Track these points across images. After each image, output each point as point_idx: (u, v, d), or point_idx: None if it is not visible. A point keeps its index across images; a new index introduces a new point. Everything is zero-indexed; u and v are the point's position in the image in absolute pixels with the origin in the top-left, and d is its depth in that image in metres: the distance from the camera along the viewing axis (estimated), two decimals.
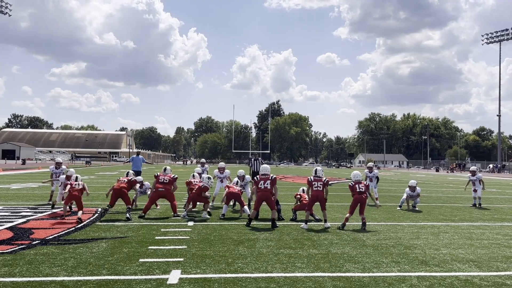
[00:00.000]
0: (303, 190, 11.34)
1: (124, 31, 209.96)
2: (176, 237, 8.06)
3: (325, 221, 9.60)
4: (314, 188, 9.60)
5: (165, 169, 11.23)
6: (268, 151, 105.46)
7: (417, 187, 13.59)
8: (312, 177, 9.75)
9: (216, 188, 13.36)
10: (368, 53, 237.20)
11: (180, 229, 8.89)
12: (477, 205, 14.54)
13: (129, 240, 7.77)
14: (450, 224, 10.53)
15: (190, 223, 9.66)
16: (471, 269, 6.24)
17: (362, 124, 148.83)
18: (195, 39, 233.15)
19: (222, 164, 14.02)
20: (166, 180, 10.91)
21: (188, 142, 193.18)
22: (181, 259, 6.41)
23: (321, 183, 9.61)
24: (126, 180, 11.01)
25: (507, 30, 70.57)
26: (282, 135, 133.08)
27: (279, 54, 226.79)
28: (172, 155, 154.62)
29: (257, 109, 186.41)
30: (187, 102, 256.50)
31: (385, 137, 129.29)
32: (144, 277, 5.50)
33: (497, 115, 73.95)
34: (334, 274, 5.79)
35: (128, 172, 11.64)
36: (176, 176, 11.32)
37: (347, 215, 9.52)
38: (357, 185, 9.63)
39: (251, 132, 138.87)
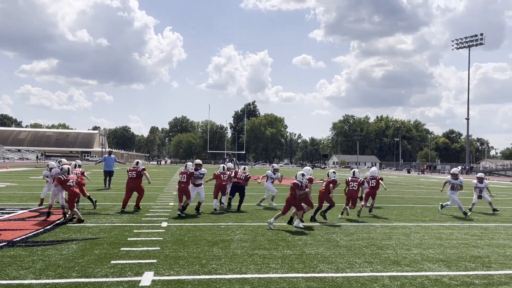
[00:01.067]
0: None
1: (97, 28, 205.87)
2: (149, 238, 7.94)
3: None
4: (350, 188, 11.28)
5: (137, 163, 12.02)
6: (244, 152, 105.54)
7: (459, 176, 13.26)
8: (350, 178, 11.45)
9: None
10: (343, 55, 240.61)
11: (153, 230, 8.76)
12: (493, 210, 13.75)
13: (100, 241, 7.60)
14: (421, 225, 10.76)
15: (164, 224, 9.53)
16: (441, 268, 6.38)
17: (336, 125, 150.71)
18: (171, 38, 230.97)
19: (198, 161, 13.19)
20: (134, 175, 11.73)
21: (163, 142, 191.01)
22: (154, 261, 6.32)
23: (357, 183, 11.35)
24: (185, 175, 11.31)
25: (476, 36, 72.78)
26: (258, 136, 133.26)
27: (255, 55, 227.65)
28: (146, 155, 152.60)
29: (233, 110, 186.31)
30: (161, 102, 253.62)
31: (358, 138, 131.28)
32: (115, 279, 5.38)
33: (466, 119, 76.16)
34: (308, 275, 5.82)
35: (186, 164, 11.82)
36: (143, 167, 11.87)
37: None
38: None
39: (227, 133, 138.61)
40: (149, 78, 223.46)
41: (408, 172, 74.29)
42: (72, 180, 9.76)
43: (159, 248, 7.17)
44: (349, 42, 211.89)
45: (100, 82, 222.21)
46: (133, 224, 9.45)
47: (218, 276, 5.63)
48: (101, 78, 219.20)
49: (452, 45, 76.82)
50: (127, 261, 6.24)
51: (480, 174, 14.46)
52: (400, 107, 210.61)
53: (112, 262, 6.19)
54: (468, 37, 73.88)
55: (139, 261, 6.29)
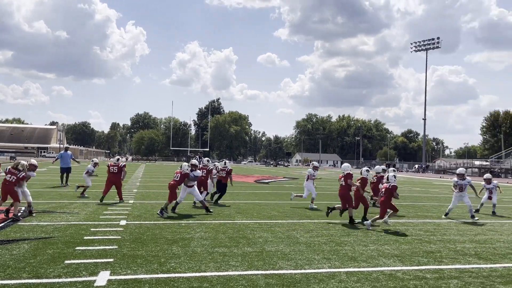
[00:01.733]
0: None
1: (56, 20, 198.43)
2: (106, 237, 7.74)
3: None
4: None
5: (118, 159, 13.37)
6: (207, 149, 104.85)
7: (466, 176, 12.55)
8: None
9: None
10: (307, 55, 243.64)
11: (111, 229, 8.55)
12: (493, 212, 13.61)
13: (54, 240, 7.33)
14: (378, 221, 11.03)
15: (123, 222, 9.33)
16: (395, 263, 6.59)
17: (299, 124, 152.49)
18: (134, 33, 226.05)
19: (193, 161, 12.94)
20: (115, 170, 12.93)
21: (124, 139, 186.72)
22: (111, 260, 6.16)
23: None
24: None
25: (433, 39, 75.53)
26: (222, 133, 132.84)
27: (220, 52, 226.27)
28: (106, 151, 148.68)
29: (197, 106, 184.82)
30: (123, 97, 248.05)
31: (321, 137, 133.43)
32: (69, 279, 5.21)
33: (423, 119, 79.01)
34: (267, 272, 5.86)
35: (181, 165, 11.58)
36: (124, 164, 13.17)
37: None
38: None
39: (190, 130, 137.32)
40: (111, 73, 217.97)
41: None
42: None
43: (116, 247, 7.00)
44: (313, 42, 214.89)
45: (59, 76, 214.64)
46: (90, 223, 9.18)
47: (176, 275, 5.57)
48: (59, 72, 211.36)
49: (411, 48, 79.39)
50: (82, 261, 6.06)
51: (487, 175, 14.14)
52: (361, 107, 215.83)
53: (66, 262, 5.99)
54: (426, 40, 76.58)
55: (95, 260, 6.12)
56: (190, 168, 11.22)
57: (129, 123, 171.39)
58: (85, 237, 7.65)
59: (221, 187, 13.90)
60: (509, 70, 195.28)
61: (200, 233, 8.52)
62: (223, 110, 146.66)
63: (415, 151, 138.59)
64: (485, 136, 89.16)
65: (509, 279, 5.96)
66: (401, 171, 75.82)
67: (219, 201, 13.76)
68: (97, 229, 8.45)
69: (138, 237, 7.88)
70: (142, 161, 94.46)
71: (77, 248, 6.83)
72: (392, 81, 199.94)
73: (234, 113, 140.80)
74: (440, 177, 51.04)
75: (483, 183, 14.17)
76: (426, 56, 77.42)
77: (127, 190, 17.15)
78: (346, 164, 11.40)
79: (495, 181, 14.23)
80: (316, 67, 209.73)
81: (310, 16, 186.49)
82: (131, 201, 13.29)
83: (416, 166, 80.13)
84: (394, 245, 8.01)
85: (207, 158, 15.37)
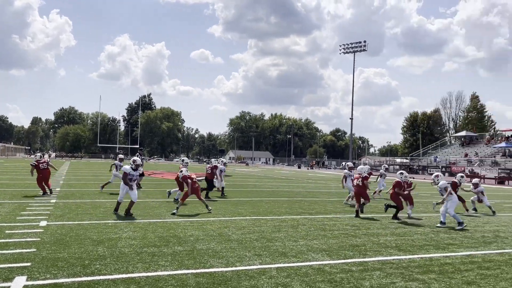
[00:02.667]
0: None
1: None
2: (24, 239, 7.18)
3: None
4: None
5: (42, 156, 14.38)
6: (138, 146, 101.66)
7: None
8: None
9: None
10: (241, 53, 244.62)
11: (30, 230, 7.95)
12: (493, 212, 13.65)
13: None
14: (308, 217, 11.38)
15: (43, 223, 8.71)
16: (323, 258, 6.80)
17: (233, 121, 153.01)
18: (58, 22, 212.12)
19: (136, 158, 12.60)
20: (45, 166, 13.86)
21: (46, 134, 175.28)
22: (28, 264, 5.71)
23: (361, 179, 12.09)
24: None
25: (360, 42, 79.15)
26: (153, 130, 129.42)
27: (151, 46, 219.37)
28: (27, 147, 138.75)
29: (127, 102, 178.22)
30: (46, 90, 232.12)
31: (254, 135, 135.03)
32: None
33: (350, 118, 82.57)
34: (198, 271, 5.76)
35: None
36: (49, 160, 14.28)
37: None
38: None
39: (119, 126, 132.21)
40: (32, 64, 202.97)
41: (299, 167, 78.48)
42: None
43: (35, 249, 6.51)
44: (247, 40, 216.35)
45: None
46: (5, 224, 8.47)
47: (101, 277, 5.29)
48: None
49: (340, 50, 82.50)
50: None
51: (475, 180, 14.31)
52: (293, 105, 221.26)
53: None
54: (354, 43, 79.91)
55: (10, 265, 5.64)
56: (133, 166, 10.39)
57: (52, 117, 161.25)
58: None
59: (208, 183, 15.63)
60: (427, 74, 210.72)
61: (128, 232, 8.20)
62: (155, 106, 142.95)
63: (342, 149, 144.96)
64: (405, 136, 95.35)
65: (426, 268, 6.39)
66: (329, 168, 78.93)
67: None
68: (13, 231, 7.81)
69: (60, 238, 7.40)
70: (67, 158, 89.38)
71: None
72: (322, 81, 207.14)
73: (166, 109, 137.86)
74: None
75: (471, 187, 14.15)
76: (354, 58, 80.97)
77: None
78: (365, 167, 12.80)
79: (482, 186, 14.33)
80: (250, 65, 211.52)
81: (244, 14, 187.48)
82: (53, 201, 12.49)
83: (343, 163, 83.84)
84: (322, 240, 8.27)
85: (218, 159, 17.57)
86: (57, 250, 6.54)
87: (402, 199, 11.67)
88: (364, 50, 79.11)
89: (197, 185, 11.52)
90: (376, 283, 5.55)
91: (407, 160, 68.66)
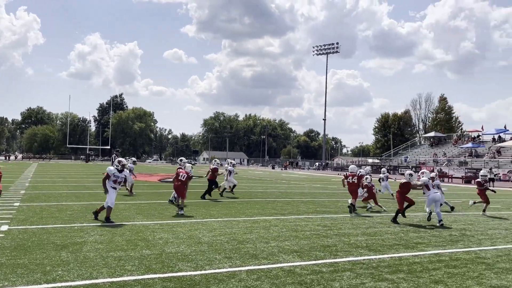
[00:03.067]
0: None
1: None
2: None
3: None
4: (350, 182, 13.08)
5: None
6: (109, 147, 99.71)
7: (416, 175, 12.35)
8: (347, 173, 13.35)
9: None
10: (215, 53, 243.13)
11: None
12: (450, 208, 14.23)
13: None
14: (280, 218, 11.34)
15: (4, 228, 8.34)
16: (294, 259, 6.74)
17: (207, 122, 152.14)
18: (26, 19, 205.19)
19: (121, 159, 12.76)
20: None
21: (13, 135, 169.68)
22: None
23: (356, 177, 12.94)
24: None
25: (332, 44, 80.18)
26: (125, 130, 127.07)
27: (123, 46, 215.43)
28: None
29: (98, 102, 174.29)
30: (13, 90, 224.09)
31: (228, 135, 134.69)
32: None
33: (323, 119, 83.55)
34: (166, 275, 5.60)
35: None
36: None
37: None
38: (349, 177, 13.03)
39: (90, 126, 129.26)
40: None
41: (273, 168, 78.70)
42: None
43: None
44: (221, 40, 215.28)
45: None
46: None
47: (63, 284, 5.07)
48: None
49: (313, 51, 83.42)
50: None
51: (432, 174, 13.42)
52: (267, 106, 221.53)
53: None
54: (326, 45, 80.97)
55: None
56: (119, 167, 9.92)
57: (19, 118, 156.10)
58: None
59: (209, 185, 15.89)
60: (398, 76, 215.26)
61: (94, 236, 7.93)
62: (126, 106, 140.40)
63: (316, 149, 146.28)
64: (377, 136, 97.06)
65: (395, 268, 6.43)
66: (303, 169, 79.49)
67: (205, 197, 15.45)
68: None
69: (21, 243, 7.08)
70: (35, 159, 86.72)
71: None
72: (296, 82, 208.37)
73: (138, 109, 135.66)
74: (338, 174, 54.35)
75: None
76: (327, 60, 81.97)
77: (12, 192, 15.51)
78: (353, 166, 13.88)
79: (437, 180, 13.82)
80: (224, 65, 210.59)
81: (218, 14, 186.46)
82: (17, 204, 12.01)
83: (317, 163, 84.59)
84: (294, 240, 8.22)
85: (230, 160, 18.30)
86: (17, 256, 6.24)
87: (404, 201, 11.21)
88: (336, 52, 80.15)
89: (180, 183, 11.71)
90: (346, 284, 5.53)
91: (379, 161, 69.90)
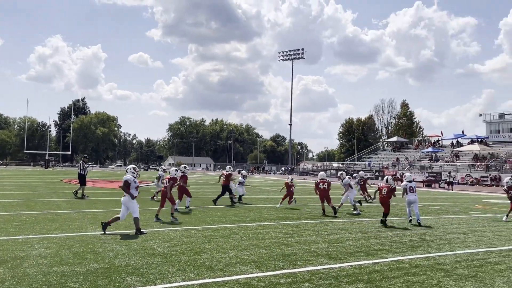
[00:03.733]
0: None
1: None
2: None
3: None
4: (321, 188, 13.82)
5: None
6: (70, 152, 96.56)
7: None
8: (318, 180, 14.01)
9: None
10: (181, 57, 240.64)
11: None
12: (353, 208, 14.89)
13: None
14: (241, 225, 11.04)
15: None
16: (252, 270, 6.45)
17: (173, 127, 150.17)
18: None
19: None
20: None
21: None
22: None
23: (327, 184, 13.77)
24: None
25: (298, 50, 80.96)
26: (87, 135, 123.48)
27: (87, 49, 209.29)
28: None
29: (59, 106, 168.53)
30: None
31: (194, 140, 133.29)
32: None
33: (289, 124, 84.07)
34: None
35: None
36: None
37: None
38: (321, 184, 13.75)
39: (50, 131, 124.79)
40: None
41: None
42: None
43: None
44: (187, 44, 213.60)
45: None
46: None
47: None
48: None
49: (279, 57, 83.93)
50: None
51: (407, 174, 13.38)
52: (234, 111, 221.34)
53: None
54: (292, 50, 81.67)
55: None
56: (135, 174, 10.01)
57: None
58: None
59: (223, 190, 16.64)
60: (361, 82, 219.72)
61: (39, 249, 7.37)
62: (89, 111, 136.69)
63: (282, 154, 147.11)
64: (341, 141, 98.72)
65: (355, 278, 6.25)
66: (270, 174, 79.57)
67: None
68: None
69: None
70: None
71: None
72: (263, 87, 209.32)
73: (101, 113, 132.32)
74: (304, 178, 54.69)
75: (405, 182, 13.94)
76: (292, 65, 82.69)
77: None
78: (322, 173, 14.52)
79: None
80: (190, 70, 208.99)
81: (184, 18, 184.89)
82: None
83: (283, 168, 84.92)
84: (253, 250, 7.94)
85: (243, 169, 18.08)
86: None
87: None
88: (302, 57, 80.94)
89: (166, 190, 11.76)
90: None
91: (343, 165, 70.89)
